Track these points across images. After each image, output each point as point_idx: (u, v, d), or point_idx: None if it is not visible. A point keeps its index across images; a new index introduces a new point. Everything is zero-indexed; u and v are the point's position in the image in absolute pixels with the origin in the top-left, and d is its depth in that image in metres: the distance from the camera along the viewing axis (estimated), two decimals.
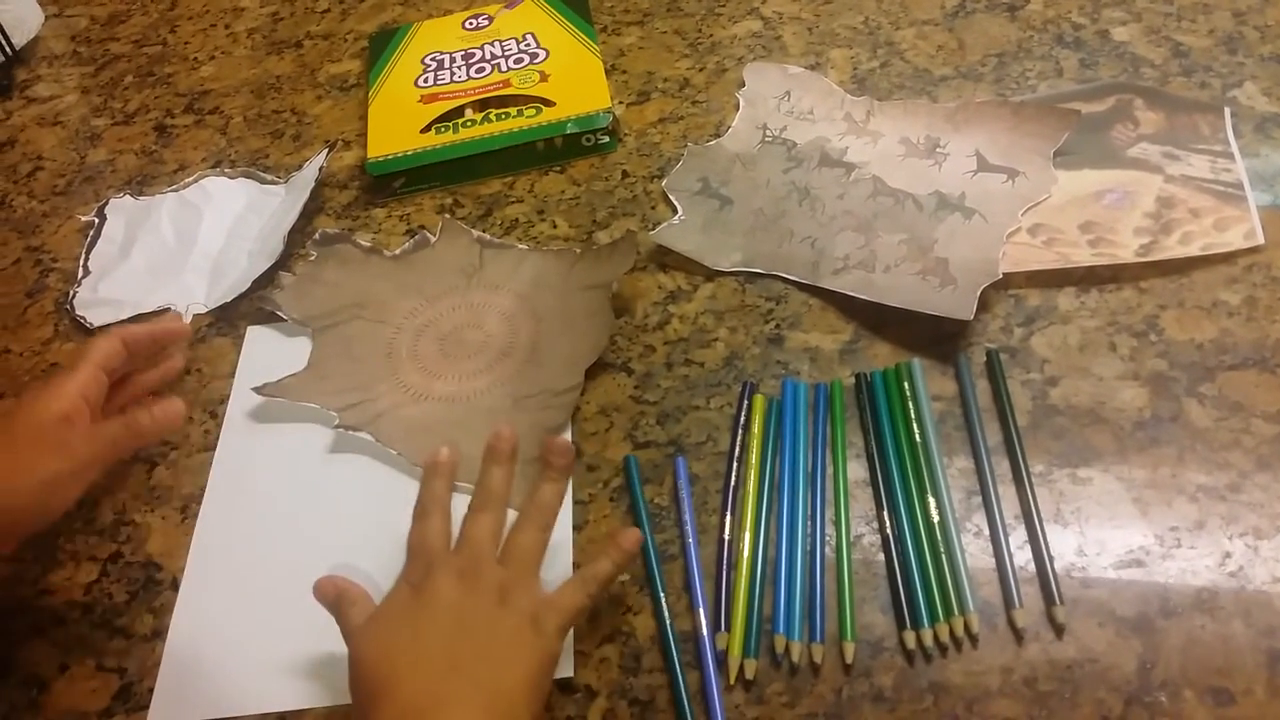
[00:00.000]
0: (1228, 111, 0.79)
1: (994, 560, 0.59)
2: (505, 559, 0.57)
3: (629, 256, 0.75)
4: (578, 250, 0.78)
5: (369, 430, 0.70)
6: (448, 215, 0.83)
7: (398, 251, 0.82)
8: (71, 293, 0.84)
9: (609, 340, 0.72)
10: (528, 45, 0.95)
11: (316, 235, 0.83)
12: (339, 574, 0.59)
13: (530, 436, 0.66)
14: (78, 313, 0.82)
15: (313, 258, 0.82)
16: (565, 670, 0.58)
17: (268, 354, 0.76)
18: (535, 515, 0.59)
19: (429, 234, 0.82)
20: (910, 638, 0.57)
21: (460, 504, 0.59)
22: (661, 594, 0.60)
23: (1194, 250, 0.71)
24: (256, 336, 0.78)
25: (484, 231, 0.82)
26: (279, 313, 0.78)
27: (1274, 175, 0.75)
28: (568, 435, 0.68)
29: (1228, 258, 0.71)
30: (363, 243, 0.82)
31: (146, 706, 0.60)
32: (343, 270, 0.81)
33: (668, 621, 0.59)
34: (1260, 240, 0.71)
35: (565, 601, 0.56)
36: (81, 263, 0.86)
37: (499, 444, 0.61)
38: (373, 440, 0.69)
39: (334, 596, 0.57)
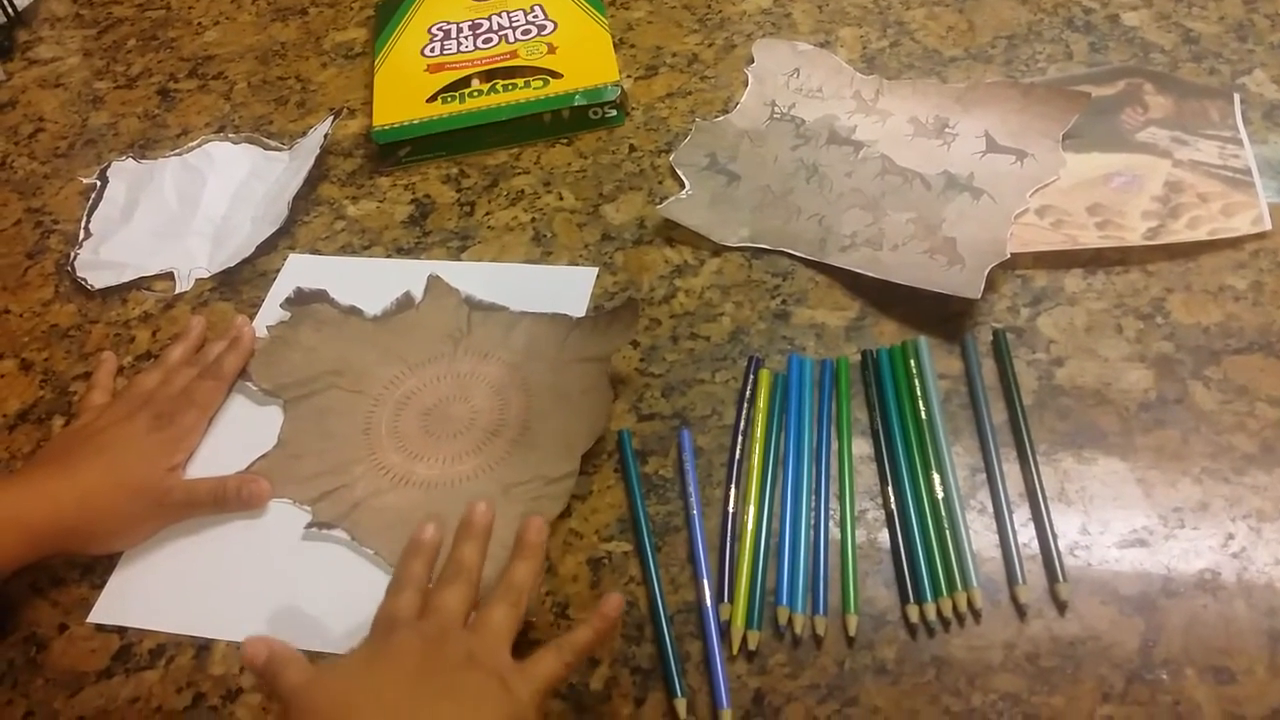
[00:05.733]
0: (1237, 98, 0.79)
1: (997, 537, 0.59)
2: (474, 630, 0.53)
3: (630, 327, 0.69)
4: (574, 317, 0.73)
5: (344, 526, 0.64)
6: (434, 274, 0.77)
7: (379, 312, 0.76)
8: (72, 254, 0.83)
9: (607, 422, 0.67)
10: (535, 17, 0.95)
11: (292, 293, 0.77)
12: (270, 635, 0.54)
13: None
14: (79, 274, 0.81)
15: (286, 318, 0.76)
16: None
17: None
18: (507, 592, 0.55)
19: (413, 294, 0.76)
20: (913, 611, 0.57)
21: None
22: (653, 567, 0.60)
23: (1201, 235, 0.71)
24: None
25: (489, 205, 0.82)
26: (249, 382, 0.72)
27: None
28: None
29: (1235, 243, 0.71)
30: (340, 302, 0.76)
31: (146, 668, 0.60)
32: (319, 333, 0.75)
33: (659, 595, 0.59)
34: (1268, 226, 0.71)
35: (539, 669, 0.52)
36: (83, 225, 0.85)
37: (474, 518, 0.58)
38: (349, 539, 0.64)
39: (265, 658, 0.52)
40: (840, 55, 0.89)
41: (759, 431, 0.65)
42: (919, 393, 0.65)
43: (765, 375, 0.68)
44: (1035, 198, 0.75)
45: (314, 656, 0.59)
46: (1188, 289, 0.69)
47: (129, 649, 0.61)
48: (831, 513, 0.61)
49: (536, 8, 0.96)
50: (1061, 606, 0.56)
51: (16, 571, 0.61)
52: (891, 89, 0.85)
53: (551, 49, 0.91)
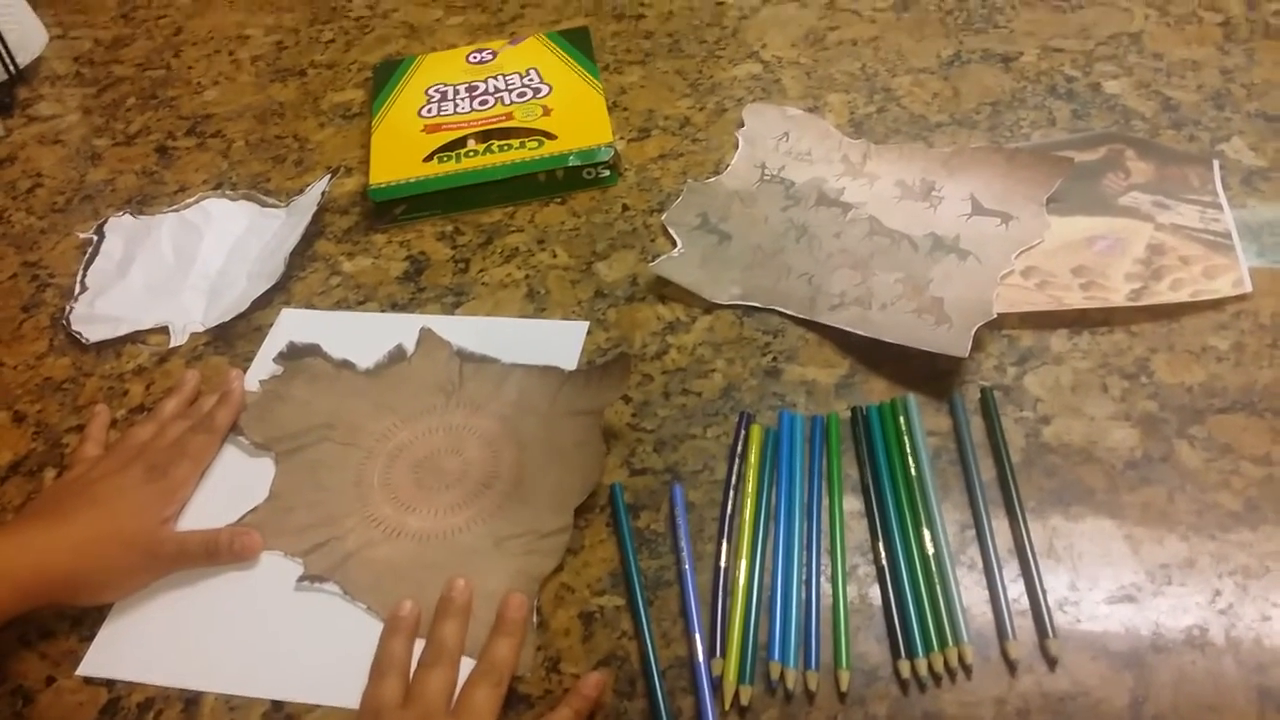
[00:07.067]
0: (1216, 164, 0.81)
1: (987, 593, 0.60)
2: (457, 715, 0.55)
3: (621, 382, 0.69)
4: (565, 371, 0.73)
5: (336, 579, 0.64)
6: (426, 328, 0.78)
7: (371, 365, 0.76)
8: (68, 308, 0.84)
9: (600, 476, 0.67)
10: (531, 80, 0.97)
11: (284, 347, 0.78)
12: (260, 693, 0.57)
13: (515, 585, 0.62)
14: (73, 328, 0.82)
15: (279, 372, 0.77)
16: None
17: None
18: (489, 671, 0.57)
19: (405, 347, 0.77)
20: (905, 667, 0.57)
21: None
22: (645, 621, 0.60)
23: (1183, 296, 0.73)
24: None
25: (483, 262, 0.83)
26: (241, 436, 0.72)
27: (1260, 227, 0.77)
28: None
29: (1216, 304, 0.72)
30: (333, 356, 0.77)
31: None
32: (312, 387, 0.75)
33: (651, 649, 0.59)
34: (1248, 288, 0.72)
35: None
36: (79, 279, 0.86)
37: (452, 595, 0.61)
38: (340, 593, 0.64)
39: None
40: (828, 120, 0.91)
41: (750, 487, 0.66)
42: (909, 449, 0.66)
43: (756, 431, 0.69)
44: (1020, 259, 0.76)
45: (304, 709, 0.59)
46: (1171, 349, 0.71)
47: (117, 702, 0.60)
48: (823, 568, 0.62)
49: (532, 71, 0.98)
50: (1051, 662, 0.57)
51: (5, 624, 0.61)
52: (879, 153, 0.87)
53: (546, 111, 0.93)
